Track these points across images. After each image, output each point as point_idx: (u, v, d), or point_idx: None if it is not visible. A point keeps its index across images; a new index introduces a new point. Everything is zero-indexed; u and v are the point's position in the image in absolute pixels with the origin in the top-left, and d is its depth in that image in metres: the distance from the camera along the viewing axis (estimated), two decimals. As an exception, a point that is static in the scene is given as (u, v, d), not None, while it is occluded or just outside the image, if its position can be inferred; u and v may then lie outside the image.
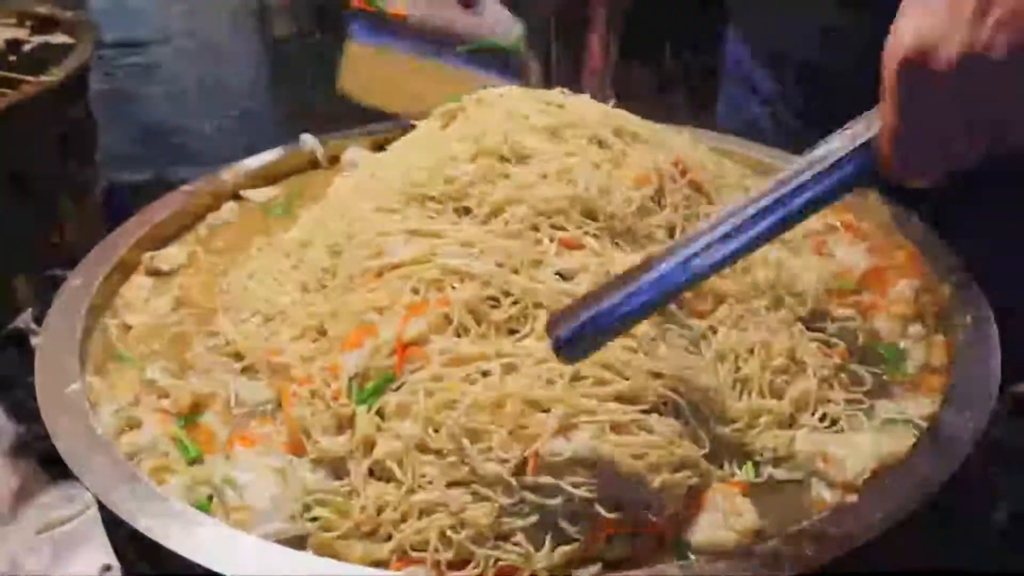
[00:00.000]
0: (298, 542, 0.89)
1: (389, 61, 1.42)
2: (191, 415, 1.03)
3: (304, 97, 2.55)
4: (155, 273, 1.28)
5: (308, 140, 1.50)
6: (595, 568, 0.87)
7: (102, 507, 0.95)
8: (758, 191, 0.84)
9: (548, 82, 2.16)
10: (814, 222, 1.30)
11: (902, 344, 1.11)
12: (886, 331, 1.12)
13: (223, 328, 1.13)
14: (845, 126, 0.83)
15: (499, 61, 1.45)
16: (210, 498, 0.93)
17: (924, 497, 0.89)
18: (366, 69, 1.43)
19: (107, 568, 1.23)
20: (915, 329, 1.12)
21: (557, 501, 0.86)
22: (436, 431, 0.90)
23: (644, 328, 0.95)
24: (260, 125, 2.60)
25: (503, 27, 1.46)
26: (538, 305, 0.96)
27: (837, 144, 0.82)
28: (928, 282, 1.17)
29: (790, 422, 1.00)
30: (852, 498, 0.91)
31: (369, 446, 0.92)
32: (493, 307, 0.97)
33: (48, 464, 1.35)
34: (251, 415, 1.03)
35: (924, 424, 0.99)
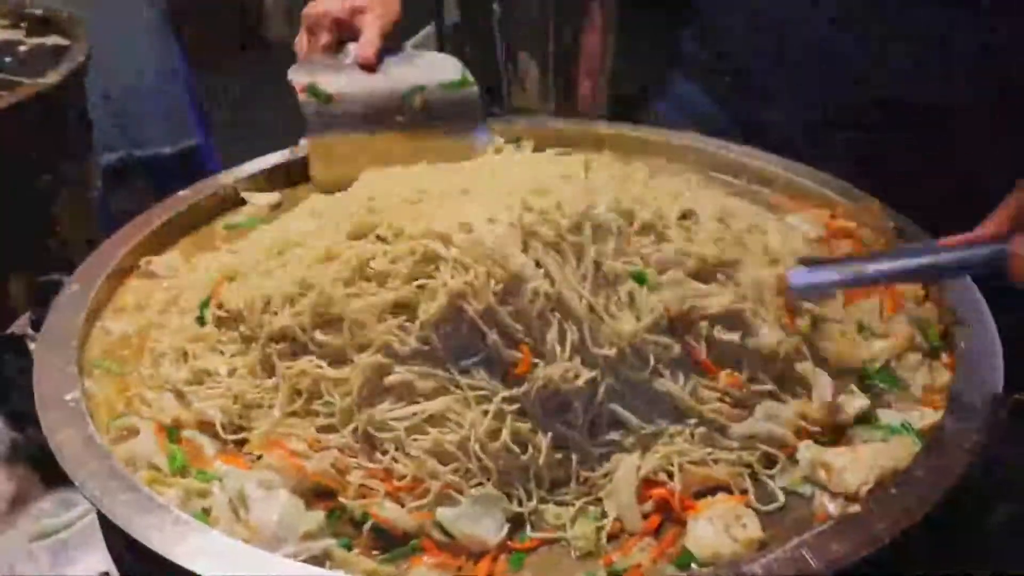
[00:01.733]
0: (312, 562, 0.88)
1: (351, 147, 1.43)
2: (176, 428, 1.03)
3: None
4: (151, 278, 1.28)
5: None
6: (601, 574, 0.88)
7: (101, 516, 0.94)
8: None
9: (544, 84, 2.18)
10: (814, 230, 1.30)
11: (900, 372, 1.09)
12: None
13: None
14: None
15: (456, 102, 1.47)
16: (206, 511, 0.92)
17: (927, 508, 0.89)
18: (336, 161, 1.43)
19: (105, 575, 1.22)
20: (914, 358, 1.11)
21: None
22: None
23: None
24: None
25: (434, 72, 1.49)
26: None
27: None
28: (928, 292, 1.17)
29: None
30: (855, 509, 0.91)
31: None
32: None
33: (44, 470, 1.33)
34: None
35: (926, 434, 0.99)
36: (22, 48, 1.99)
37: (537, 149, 1.48)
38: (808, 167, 1.41)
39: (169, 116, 2.47)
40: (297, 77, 1.46)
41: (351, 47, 1.50)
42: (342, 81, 1.46)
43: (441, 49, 3.02)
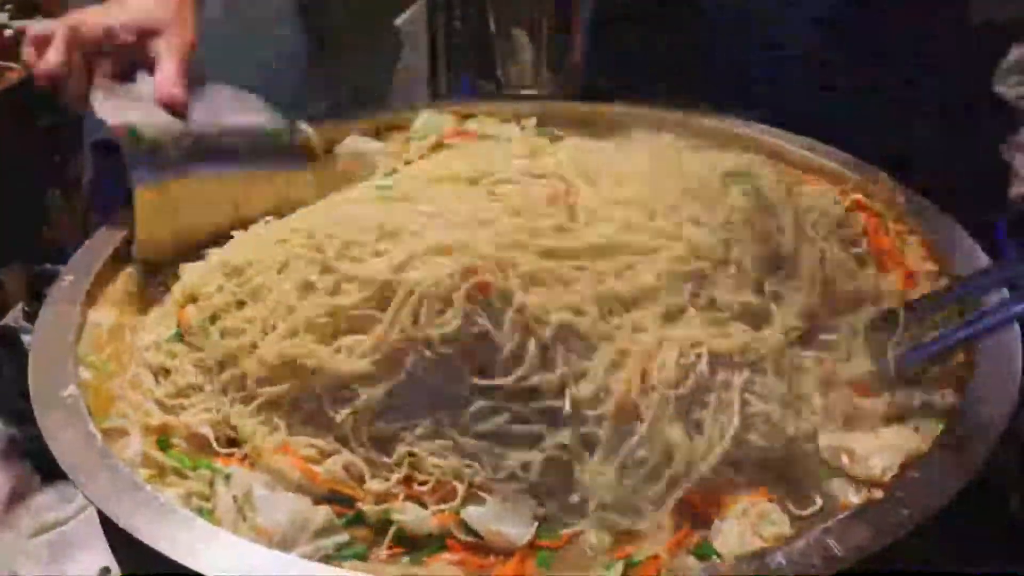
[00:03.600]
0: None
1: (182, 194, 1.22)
2: (165, 435, 1.00)
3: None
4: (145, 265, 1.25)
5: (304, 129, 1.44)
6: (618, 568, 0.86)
7: (102, 513, 0.92)
8: None
9: (538, 60, 2.13)
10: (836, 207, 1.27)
11: None
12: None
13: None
14: None
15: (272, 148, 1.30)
16: (210, 511, 0.90)
17: (952, 492, 0.87)
18: (164, 212, 1.22)
19: (106, 571, 1.20)
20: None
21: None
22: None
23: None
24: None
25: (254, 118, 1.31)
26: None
27: None
28: (943, 270, 1.15)
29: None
30: (879, 495, 0.89)
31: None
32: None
33: (41, 464, 1.31)
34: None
35: (947, 416, 0.96)
36: (7, 32, 1.95)
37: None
38: (814, 140, 1.39)
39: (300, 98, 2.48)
40: (110, 116, 1.21)
41: (141, 76, 1.28)
42: (159, 120, 1.23)
43: (432, 26, 2.97)
